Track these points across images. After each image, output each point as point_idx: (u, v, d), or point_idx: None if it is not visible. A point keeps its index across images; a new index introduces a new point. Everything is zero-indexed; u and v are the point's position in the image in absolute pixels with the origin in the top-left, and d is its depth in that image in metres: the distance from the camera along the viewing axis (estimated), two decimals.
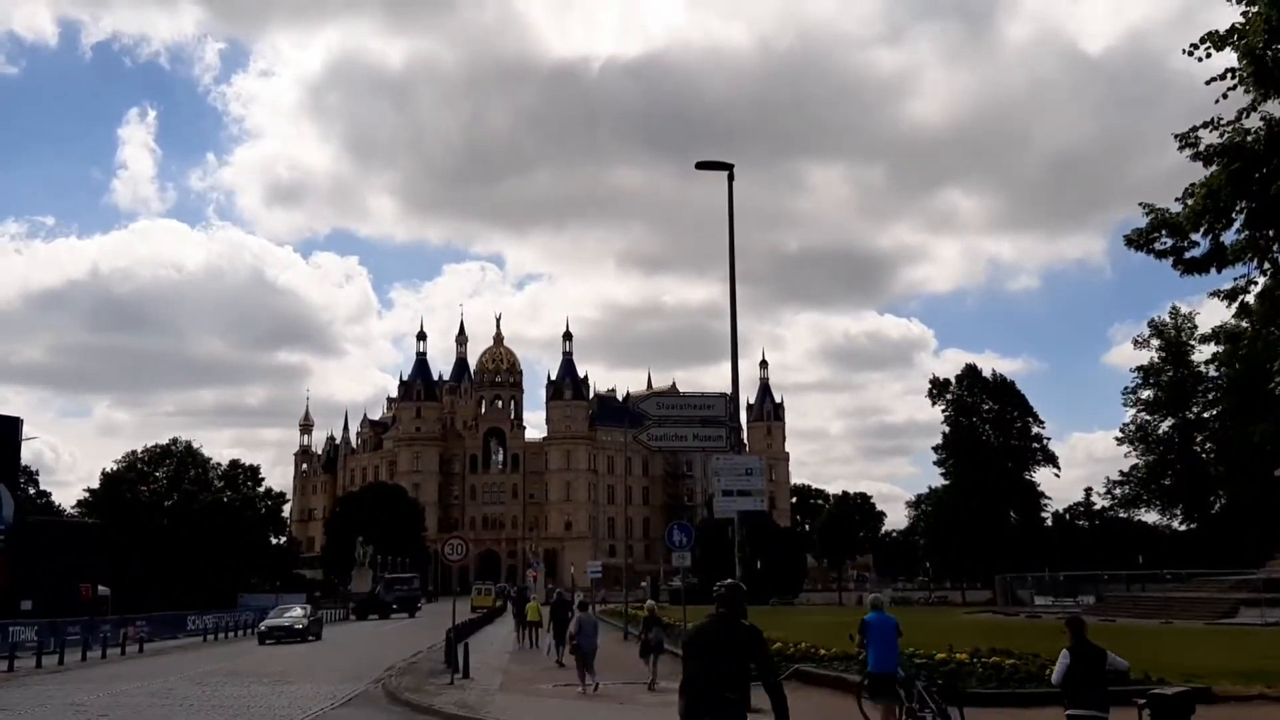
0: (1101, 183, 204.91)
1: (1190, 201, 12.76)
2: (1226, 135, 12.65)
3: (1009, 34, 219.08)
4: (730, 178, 17.08)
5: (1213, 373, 78.43)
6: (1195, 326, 79.40)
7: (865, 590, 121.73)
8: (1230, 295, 13.81)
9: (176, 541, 77.25)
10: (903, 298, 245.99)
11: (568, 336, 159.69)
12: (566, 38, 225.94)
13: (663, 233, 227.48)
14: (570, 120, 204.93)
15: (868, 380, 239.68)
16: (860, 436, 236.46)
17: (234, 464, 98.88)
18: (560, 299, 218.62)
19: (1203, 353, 78.79)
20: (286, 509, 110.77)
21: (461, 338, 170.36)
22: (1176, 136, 12.92)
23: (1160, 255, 13.25)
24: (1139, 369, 79.99)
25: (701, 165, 17.02)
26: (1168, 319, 79.67)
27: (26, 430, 52.60)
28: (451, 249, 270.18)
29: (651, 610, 21.73)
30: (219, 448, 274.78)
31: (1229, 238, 13.62)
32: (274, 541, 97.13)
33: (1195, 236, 12.87)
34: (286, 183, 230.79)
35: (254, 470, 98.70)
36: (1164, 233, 13.10)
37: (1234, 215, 12.50)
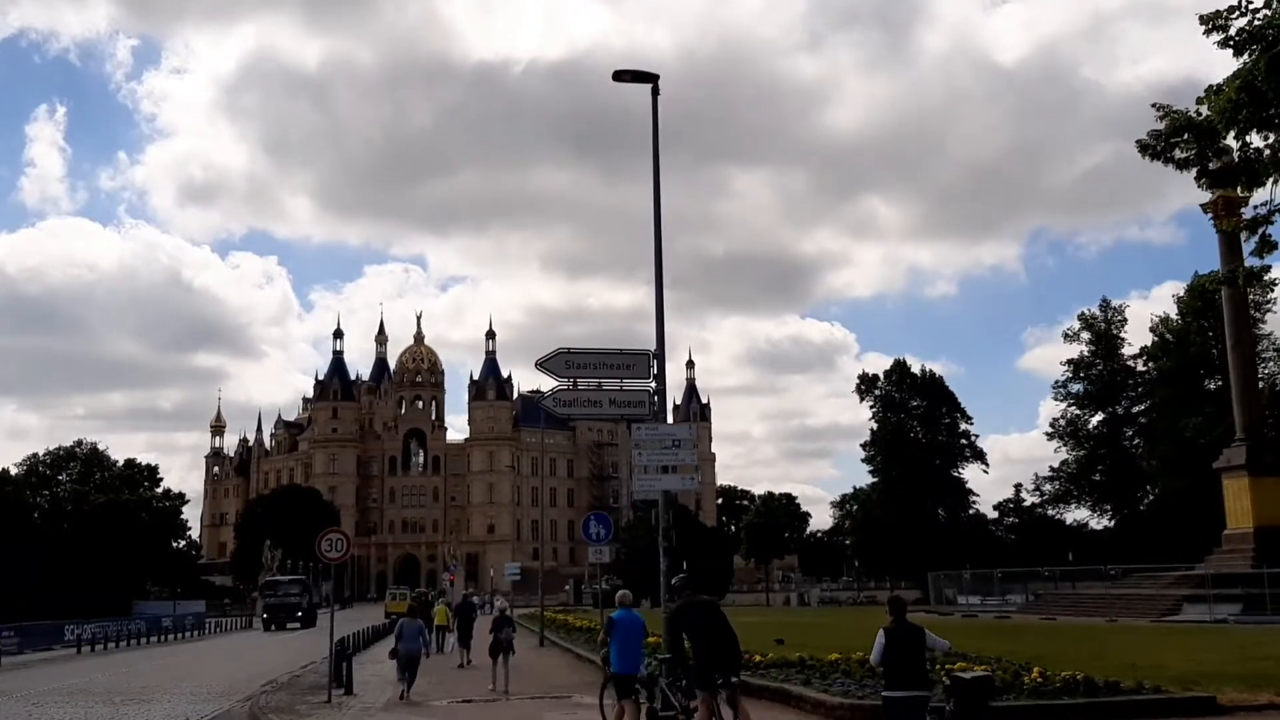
0: (1015, 190, 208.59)
1: (1217, 99, 10.26)
2: (1264, 18, 10.16)
3: (926, 44, 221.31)
4: (655, 91, 14.38)
5: (1141, 367, 77.97)
6: (1125, 320, 78.89)
7: (791, 590, 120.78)
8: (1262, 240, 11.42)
9: (68, 546, 72.23)
10: (825, 302, 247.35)
11: (491, 335, 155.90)
12: (488, 39, 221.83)
13: (587, 235, 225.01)
14: (492, 121, 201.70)
15: (790, 383, 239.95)
16: (783, 439, 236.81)
17: (129, 464, 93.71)
18: (484, 301, 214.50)
19: (1132, 347, 78.37)
20: (187, 510, 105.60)
21: (381, 337, 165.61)
22: (1202, 19, 10.43)
23: (1181, 165, 10.79)
24: (1068, 362, 79.01)
25: (620, 75, 14.27)
26: (1098, 312, 78.89)
27: None
28: (371, 250, 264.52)
29: (503, 611, 21.66)
30: (131, 452, 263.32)
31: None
32: (175, 546, 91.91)
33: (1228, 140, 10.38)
34: (200, 182, 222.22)
35: (152, 470, 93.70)
36: (1186, 137, 10.62)
37: (1273, 113, 10.02)
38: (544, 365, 13.36)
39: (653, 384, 13.59)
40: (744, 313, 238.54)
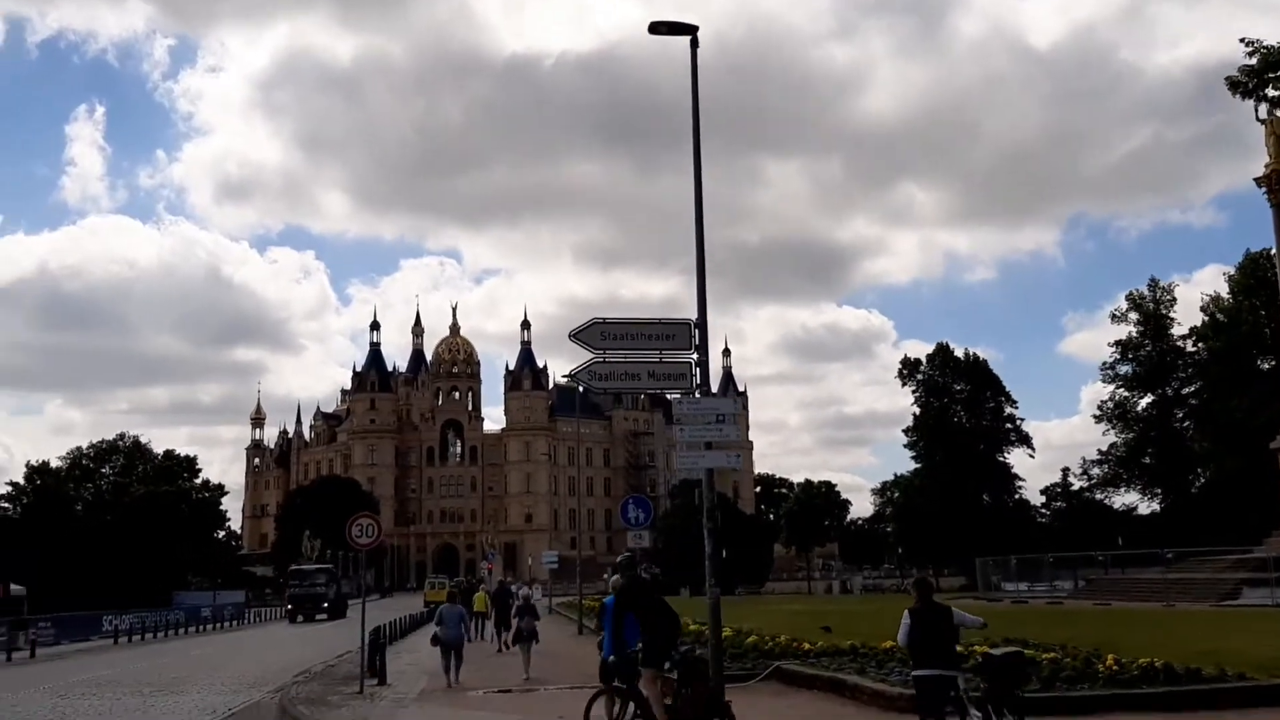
0: (1054, 175, 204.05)
1: None
2: None
3: (960, 28, 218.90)
4: (694, 44, 13.48)
5: (1190, 348, 76.01)
6: (1174, 299, 76.79)
7: (833, 578, 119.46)
8: None
9: (109, 538, 72.52)
10: (861, 290, 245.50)
11: (525, 326, 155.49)
12: (519, 33, 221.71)
13: (619, 227, 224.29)
14: (524, 115, 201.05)
15: (827, 371, 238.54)
16: (820, 427, 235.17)
17: (168, 455, 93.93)
18: (518, 294, 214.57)
19: (1181, 327, 76.39)
20: (230, 502, 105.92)
21: (418, 329, 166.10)
22: None
23: (1275, 104, 9.76)
24: (1116, 344, 76.86)
25: (656, 28, 13.39)
26: (1146, 291, 76.78)
27: None
28: (406, 244, 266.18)
29: (526, 599, 21.45)
30: (174, 445, 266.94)
31: None
32: (216, 536, 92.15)
33: None
34: (237, 179, 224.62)
35: (190, 461, 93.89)
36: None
37: None
38: (578, 336, 12.52)
39: (694, 355, 12.71)
40: (780, 301, 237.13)
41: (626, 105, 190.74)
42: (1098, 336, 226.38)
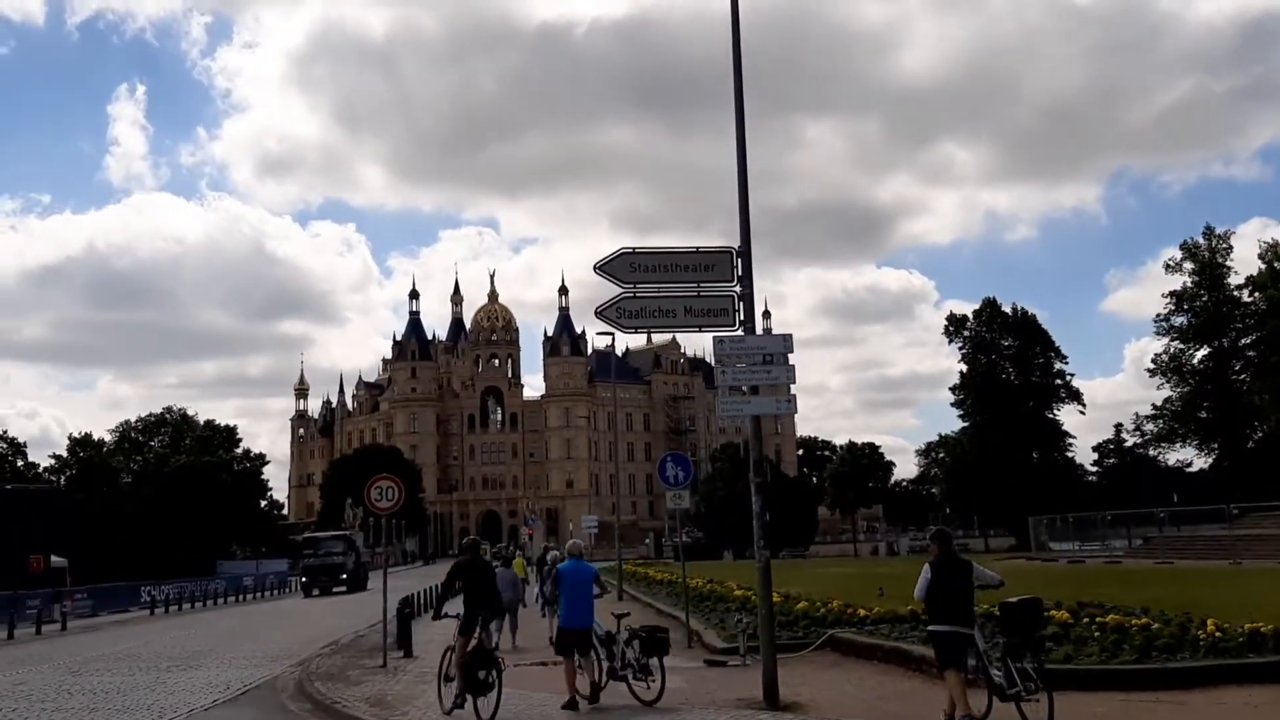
0: (1094, 130, 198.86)
1: None
2: None
3: None
4: None
5: (1248, 298, 73.28)
6: (1230, 247, 73.85)
7: (878, 540, 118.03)
8: None
9: (153, 509, 72.50)
10: (901, 251, 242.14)
11: (564, 292, 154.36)
12: (550, 1, 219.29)
13: (655, 192, 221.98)
14: (557, 82, 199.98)
15: (868, 334, 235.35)
16: (861, 390, 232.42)
17: (209, 425, 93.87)
18: (555, 262, 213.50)
19: (1238, 276, 73.63)
20: (274, 471, 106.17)
21: (457, 297, 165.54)
22: None
23: None
24: (1171, 294, 73.99)
25: None
26: (1201, 240, 73.86)
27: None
28: (444, 215, 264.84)
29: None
30: (223, 418, 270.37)
31: None
32: (260, 506, 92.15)
33: None
34: (276, 155, 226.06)
35: (230, 431, 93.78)
36: None
37: None
38: (604, 269, 11.13)
39: (737, 288, 11.28)
40: (819, 264, 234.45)
41: (659, 70, 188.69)
42: (1141, 294, 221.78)
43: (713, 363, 11.64)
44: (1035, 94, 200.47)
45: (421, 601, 27.03)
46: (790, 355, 11.21)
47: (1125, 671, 11.18)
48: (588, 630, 11.93)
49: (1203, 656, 11.46)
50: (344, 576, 51.13)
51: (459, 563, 12.62)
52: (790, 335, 11.38)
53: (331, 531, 55.94)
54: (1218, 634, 11.79)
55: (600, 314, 11.11)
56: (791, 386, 11.42)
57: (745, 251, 11.24)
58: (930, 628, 10.07)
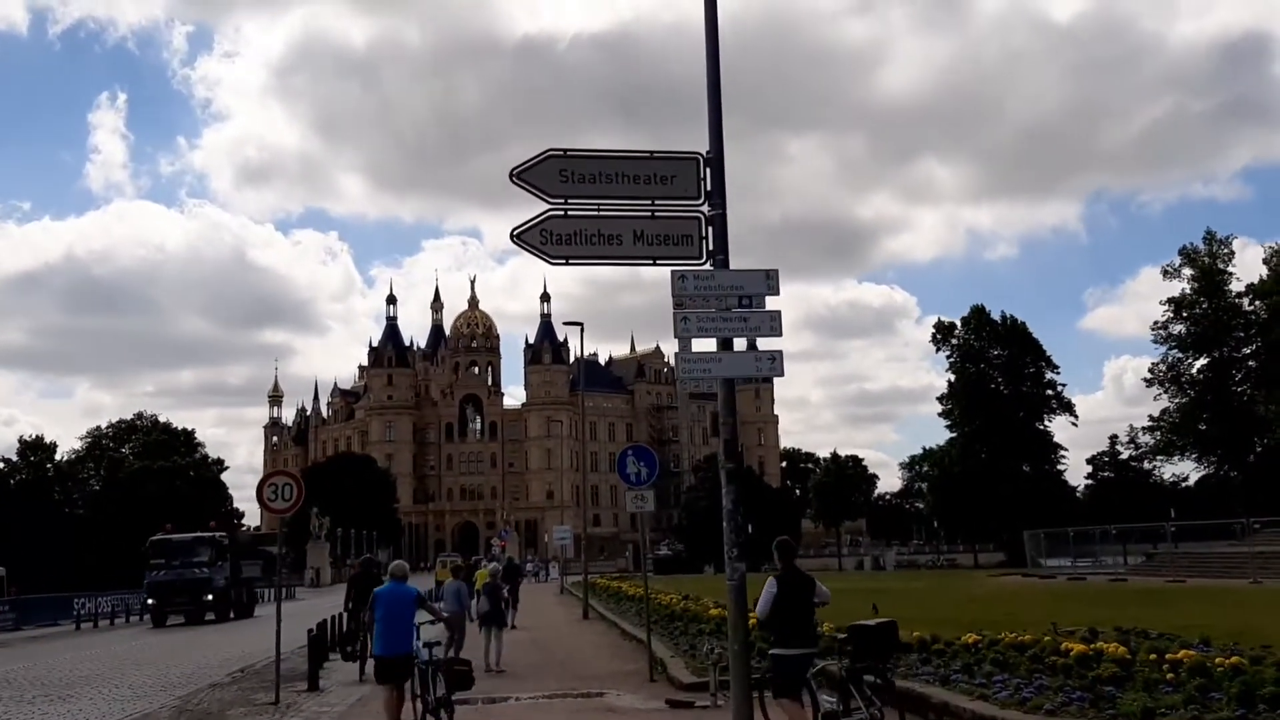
0: (1075, 149, 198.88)
1: None
2: None
3: (980, 2, 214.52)
4: None
5: (1248, 306, 70.87)
6: (1231, 253, 71.28)
7: (863, 554, 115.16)
8: None
9: (102, 515, 69.00)
10: (883, 267, 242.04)
11: (545, 299, 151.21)
12: (533, 14, 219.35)
13: None
14: (540, 95, 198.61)
15: (850, 348, 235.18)
16: (842, 404, 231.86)
17: (164, 428, 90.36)
18: (538, 273, 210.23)
19: (1239, 283, 71.16)
20: (244, 479, 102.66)
21: (437, 304, 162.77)
22: None
23: None
24: (1169, 301, 71.30)
25: None
26: (1202, 245, 71.11)
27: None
28: (426, 225, 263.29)
29: (495, 574, 19.34)
30: (202, 428, 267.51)
31: None
32: (221, 512, 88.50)
33: None
34: (256, 164, 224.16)
35: (188, 435, 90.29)
36: None
37: None
38: (524, 177, 8.08)
39: (705, 207, 8.31)
40: (801, 279, 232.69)
41: (642, 84, 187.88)
42: (1121, 312, 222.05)
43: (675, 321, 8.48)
44: (1016, 113, 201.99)
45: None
46: (773, 298, 8.29)
47: None
48: (408, 655, 10.85)
49: None
50: (208, 598, 37.17)
51: (358, 575, 12.34)
52: (776, 270, 8.46)
53: (193, 535, 41.22)
54: None
55: (518, 238, 8.05)
56: (776, 341, 8.46)
57: (716, 159, 8.27)
58: (774, 651, 8.95)
